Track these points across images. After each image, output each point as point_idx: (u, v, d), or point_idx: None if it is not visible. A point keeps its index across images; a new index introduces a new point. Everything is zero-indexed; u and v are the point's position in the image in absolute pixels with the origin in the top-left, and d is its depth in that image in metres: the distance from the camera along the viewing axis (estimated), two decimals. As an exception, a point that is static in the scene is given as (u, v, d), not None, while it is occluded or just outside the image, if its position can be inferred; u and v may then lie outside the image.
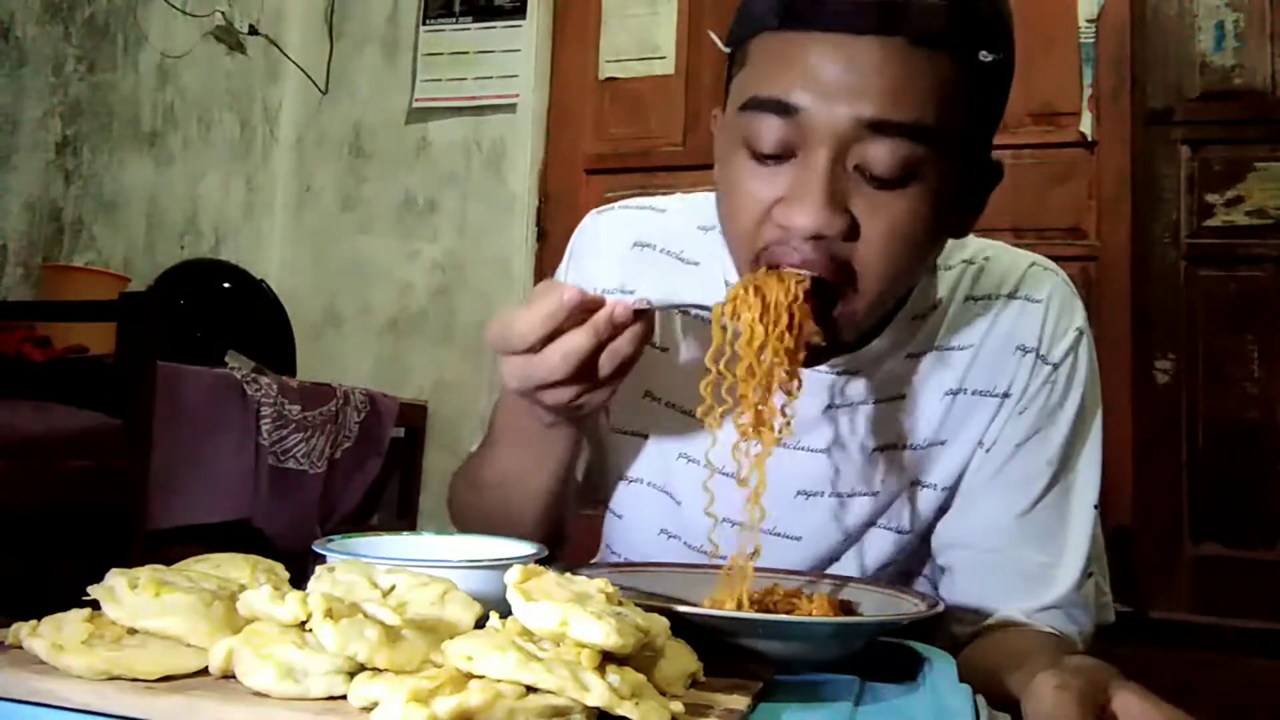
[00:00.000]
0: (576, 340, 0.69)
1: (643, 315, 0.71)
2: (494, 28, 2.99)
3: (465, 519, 0.93)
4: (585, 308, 0.69)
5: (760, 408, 0.72)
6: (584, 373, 0.70)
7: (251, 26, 3.00)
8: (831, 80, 0.67)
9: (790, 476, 0.86)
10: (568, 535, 0.94)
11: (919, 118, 0.67)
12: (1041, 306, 0.86)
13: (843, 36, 0.67)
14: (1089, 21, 2.53)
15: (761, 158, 0.71)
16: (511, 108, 2.97)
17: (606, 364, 0.71)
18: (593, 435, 0.93)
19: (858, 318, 0.75)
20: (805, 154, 0.69)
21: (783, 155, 0.71)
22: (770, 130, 0.70)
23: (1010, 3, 0.74)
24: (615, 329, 0.70)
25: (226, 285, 2.62)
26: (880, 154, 0.68)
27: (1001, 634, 0.83)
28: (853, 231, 0.70)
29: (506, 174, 2.97)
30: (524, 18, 2.96)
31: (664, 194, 0.97)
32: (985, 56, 0.69)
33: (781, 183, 0.71)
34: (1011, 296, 0.86)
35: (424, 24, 3.06)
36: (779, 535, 0.87)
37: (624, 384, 0.87)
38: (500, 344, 0.71)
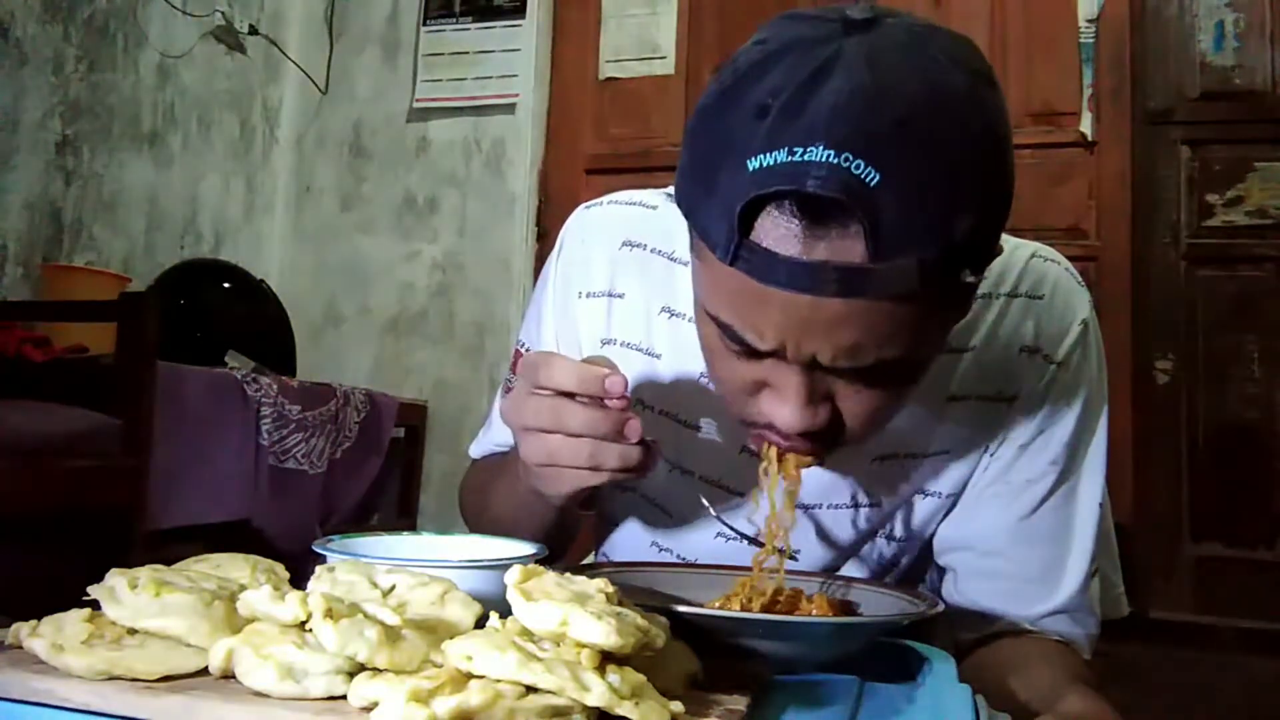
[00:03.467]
0: (579, 411, 0.68)
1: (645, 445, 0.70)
2: (494, 28, 2.99)
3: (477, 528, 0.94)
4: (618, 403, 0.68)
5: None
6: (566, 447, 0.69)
7: (251, 26, 3.00)
8: (792, 333, 0.62)
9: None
10: (574, 539, 0.94)
11: (891, 355, 0.63)
12: (1044, 303, 0.83)
13: (799, 295, 0.59)
14: (1089, 21, 2.53)
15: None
16: (511, 108, 2.97)
17: (601, 457, 0.69)
18: None
19: (849, 447, 0.73)
20: (778, 361, 0.66)
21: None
22: (737, 347, 0.66)
23: (1008, 131, 0.62)
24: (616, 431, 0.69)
25: (226, 285, 2.62)
26: (853, 377, 0.65)
27: (1006, 643, 0.82)
28: (837, 415, 0.67)
29: (506, 174, 2.97)
30: (524, 18, 2.96)
31: (655, 187, 0.93)
32: (968, 277, 0.62)
33: (762, 368, 0.67)
34: (1013, 295, 0.83)
35: (424, 24, 3.06)
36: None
37: None
38: (530, 374, 0.70)
